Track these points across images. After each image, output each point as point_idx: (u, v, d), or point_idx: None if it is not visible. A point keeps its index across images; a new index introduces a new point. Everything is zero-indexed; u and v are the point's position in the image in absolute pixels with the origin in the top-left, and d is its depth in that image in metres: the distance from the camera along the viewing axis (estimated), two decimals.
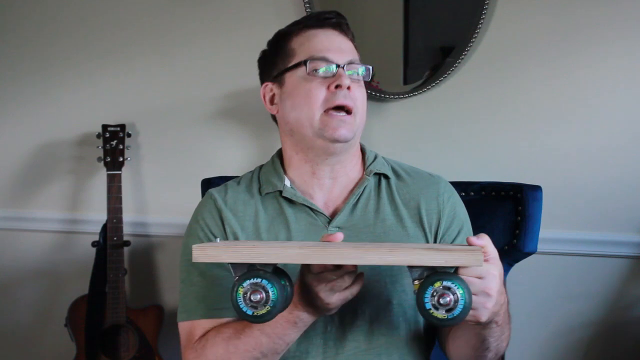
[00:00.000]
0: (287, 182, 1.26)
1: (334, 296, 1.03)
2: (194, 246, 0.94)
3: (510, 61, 1.79)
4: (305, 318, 1.08)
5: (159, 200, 2.05)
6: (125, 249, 1.95)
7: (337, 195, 1.26)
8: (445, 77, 1.81)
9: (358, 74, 1.24)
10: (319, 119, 1.19)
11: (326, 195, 1.26)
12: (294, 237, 1.23)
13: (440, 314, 0.92)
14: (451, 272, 0.93)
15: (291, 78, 1.23)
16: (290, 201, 1.25)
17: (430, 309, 0.92)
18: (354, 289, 1.05)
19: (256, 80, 1.35)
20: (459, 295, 0.91)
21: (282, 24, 1.27)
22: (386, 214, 1.24)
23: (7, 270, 2.16)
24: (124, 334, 1.96)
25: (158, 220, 2.05)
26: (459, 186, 1.36)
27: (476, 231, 1.30)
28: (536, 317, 1.86)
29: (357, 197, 1.25)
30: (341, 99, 1.18)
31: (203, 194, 1.68)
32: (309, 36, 1.23)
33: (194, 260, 0.94)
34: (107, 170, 1.94)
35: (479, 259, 0.91)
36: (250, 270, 0.96)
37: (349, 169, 1.27)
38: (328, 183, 1.26)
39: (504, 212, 1.57)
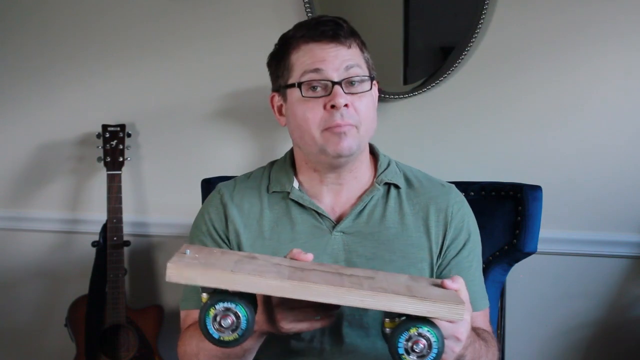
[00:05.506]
0: (296, 184, 1.27)
1: (290, 324, 1.03)
2: (168, 264, 0.91)
3: (510, 61, 1.79)
4: (261, 331, 1.07)
5: (159, 200, 2.05)
6: (125, 249, 1.95)
7: (345, 200, 1.27)
8: (445, 77, 1.81)
9: (357, 83, 1.19)
10: (320, 136, 1.19)
11: (334, 200, 1.27)
12: (298, 239, 1.24)
13: (412, 359, 0.92)
14: (426, 318, 0.93)
15: (291, 96, 1.22)
16: (297, 203, 1.26)
17: (402, 354, 0.91)
18: (316, 324, 1.04)
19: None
20: (432, 343, 0.91)
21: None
22: (391, 222, 1.25)
23: (7, 270, 2.16)
24: (124, 334, 1.96)
25: (158, 220, 2.05)
26: (459, 186, 1.36)
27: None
28: (536, 316, 1.86)
29: (365, 204, 1.25)
30: (337, 119, 1.16)
31: (203, 194, 1.68)
32: (305, 50, 1.20)
33: (167, 280, 0.91)
34: (107, 170, 1.94)
35: (461, 313, 0.91)
36: (225, 292, 0.92)
37: (358, 175, 1.27)
38: (336, 188, 1.26)
39: (504, 212, 1.57)
